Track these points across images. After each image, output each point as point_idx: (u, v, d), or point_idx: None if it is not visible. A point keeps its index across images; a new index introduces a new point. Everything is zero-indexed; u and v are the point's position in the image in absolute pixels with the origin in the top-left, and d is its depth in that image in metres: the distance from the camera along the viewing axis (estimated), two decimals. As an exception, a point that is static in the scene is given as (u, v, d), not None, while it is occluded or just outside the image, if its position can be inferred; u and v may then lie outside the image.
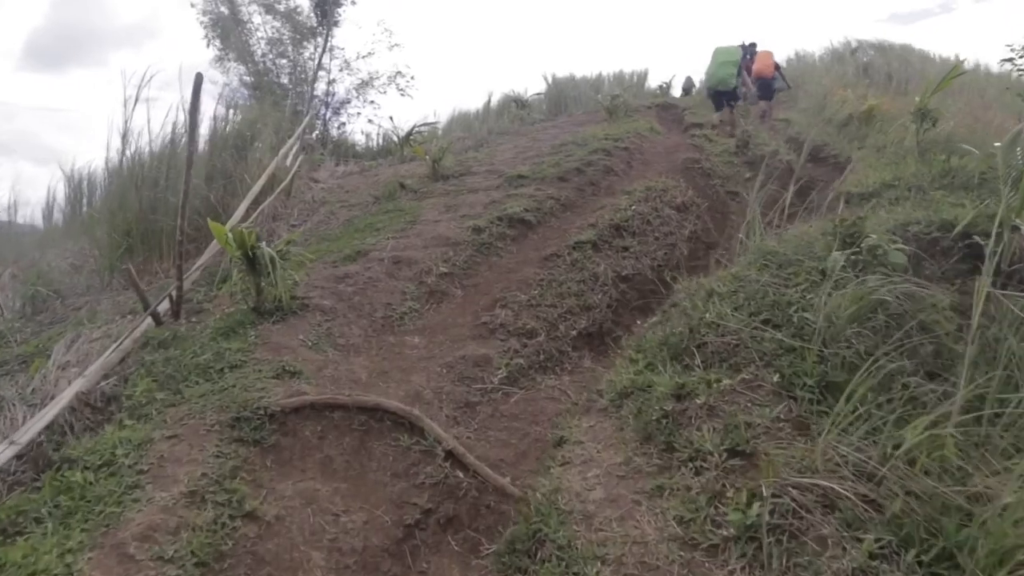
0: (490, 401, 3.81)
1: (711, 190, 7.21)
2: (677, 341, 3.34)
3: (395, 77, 19.21)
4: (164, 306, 4.68)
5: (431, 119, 15.89)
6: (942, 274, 3.81)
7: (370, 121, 22.72)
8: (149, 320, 4.40)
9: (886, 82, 15.15)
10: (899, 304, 2.99)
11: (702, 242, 6.09)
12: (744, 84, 10.05)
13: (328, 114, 19.48)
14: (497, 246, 5.85)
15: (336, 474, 3.02)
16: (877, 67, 16.64)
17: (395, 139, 14.12)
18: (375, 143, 16.99)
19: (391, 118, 22.09)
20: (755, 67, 11.65)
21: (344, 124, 19.46)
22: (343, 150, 16.19)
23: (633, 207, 6.10)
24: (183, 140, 7.73)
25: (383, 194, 8.32)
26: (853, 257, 3.34)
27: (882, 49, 18.28)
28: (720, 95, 9.67)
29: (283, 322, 4.37)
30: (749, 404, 2.78)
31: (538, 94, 17.70)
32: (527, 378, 4.11)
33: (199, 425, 3.04)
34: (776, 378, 2.87)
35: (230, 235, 4.19)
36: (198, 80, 3.84)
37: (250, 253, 4.24)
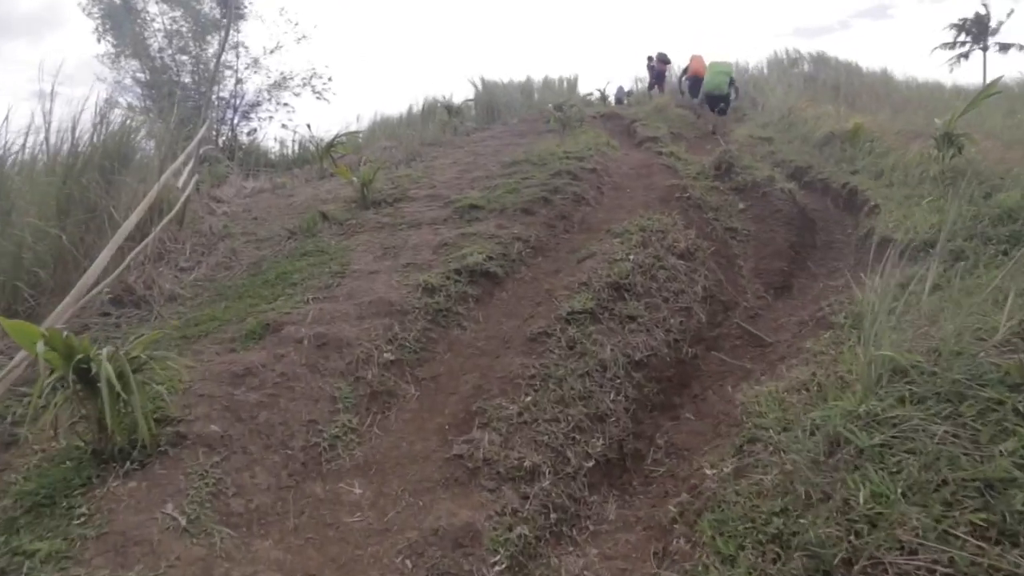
0: (488, 625, 2.34)
1: (708, 226, 5.96)
2: (827, 555, 1.96)
3: (311, 78, 17.37)
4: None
5: (352, 126, 14.17)
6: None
7: (284, 126, 20.76)
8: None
9: (833, 95, 14.64)
10: None
11: (719, 302, 4.80)
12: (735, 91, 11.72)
13: (236, 118, 17.33)
14: (457, 313, 4.37)
15: None
16: (823, 80, 16.23)
17: (312, 148, 12.35)
18: (290, 151, 15.09)
19: (308, 126, 20.19)
20: (693, 66, 13.01)
21: (255, 130, 17.38)
22: (254, 159, 14.19)
23: (631, 256, 4.74)
24: (33, 155, 5.88)
25: (301, 227, 6.62)
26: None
27: (822, 61, 17.94)
28: (714, 99, 11.35)
29: (142, 472, 2.74)
30: None
31: (468, 100, 16.20)
32: (537, 560, 2.65)
33: None
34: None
35: (43, 345, 2.52)
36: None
37: (81, 368, 2.60)
